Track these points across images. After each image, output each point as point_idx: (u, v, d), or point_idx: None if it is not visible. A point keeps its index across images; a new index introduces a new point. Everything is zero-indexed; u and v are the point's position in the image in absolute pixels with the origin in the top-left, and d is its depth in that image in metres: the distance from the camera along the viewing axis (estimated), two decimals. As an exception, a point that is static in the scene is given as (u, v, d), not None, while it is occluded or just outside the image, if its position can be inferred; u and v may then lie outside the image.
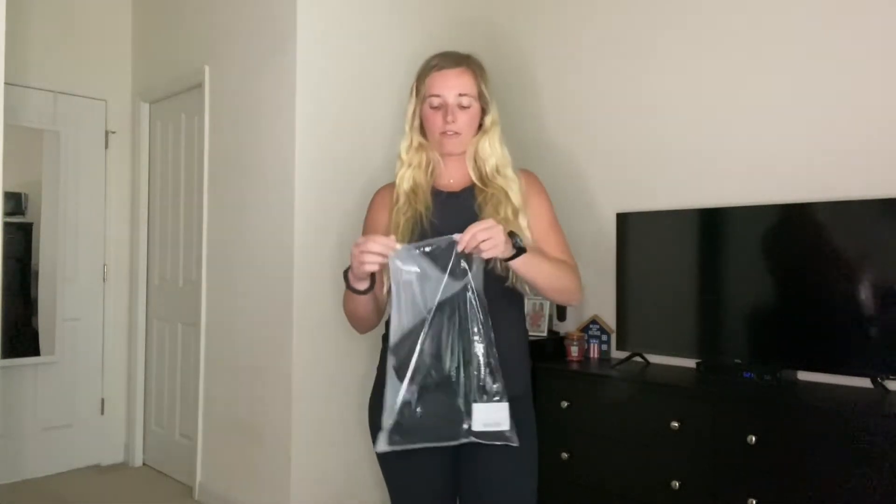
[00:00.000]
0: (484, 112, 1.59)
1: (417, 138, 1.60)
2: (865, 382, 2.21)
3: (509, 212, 1.52)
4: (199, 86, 3.32)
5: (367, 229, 1.64)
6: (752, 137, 2.57)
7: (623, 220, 2.82)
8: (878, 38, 2.29)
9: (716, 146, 2.67)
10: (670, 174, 2.79)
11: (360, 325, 1.58)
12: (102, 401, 3.76)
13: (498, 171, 1.57)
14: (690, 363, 2.62)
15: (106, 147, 3.78)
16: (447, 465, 1.53)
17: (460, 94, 1.54)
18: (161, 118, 3.74)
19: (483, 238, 1.29)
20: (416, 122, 1.60)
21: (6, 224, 3.33)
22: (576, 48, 3.15)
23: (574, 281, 1.56)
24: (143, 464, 3.76)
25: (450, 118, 1.53)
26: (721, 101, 2.66)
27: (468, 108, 1.55)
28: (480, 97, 1.58)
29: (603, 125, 3.03)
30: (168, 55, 3.61)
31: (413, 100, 1.61)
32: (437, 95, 1.54)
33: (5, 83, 1.92)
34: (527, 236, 1.51)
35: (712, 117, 2.68)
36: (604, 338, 2.88)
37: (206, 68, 3.27)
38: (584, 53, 3.11)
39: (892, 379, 2.18)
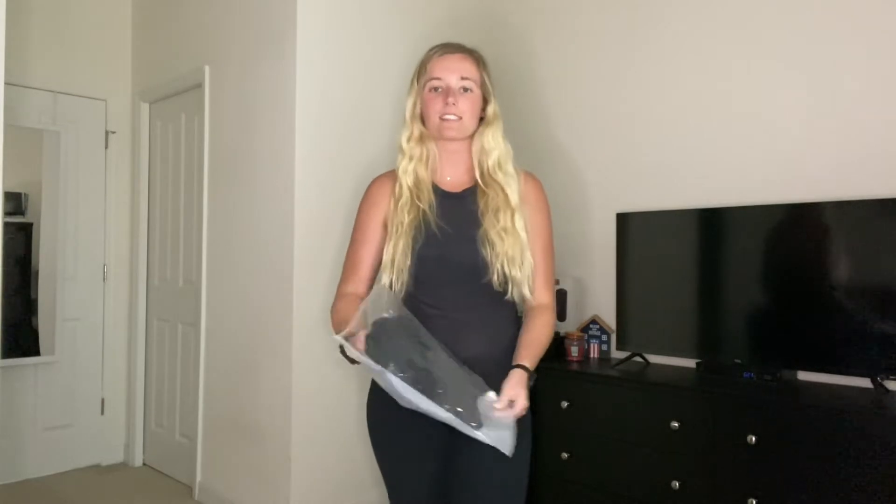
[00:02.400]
0: (486, 102, 1.58)
1: (419, 128, 1.58)
2: (865, 382, 2.21)
3: (508, 219, 1.52)
4: (199, 86, 3.32)
5: (361, 225, 1.61)
6: (753, 137, 2.57)
7: (623, 220, 2.82)
8: (878, 37, 2.29)
9: (716, 146, 2.67)
10: (670, 174, 2.79)
11: None
12: (102, 401, 3.76)
13: (500, 166, 1.56)
14: (690, 363, 2.62)
15: (106, 147, 3.78)
16: (439, 453, 1.54)
17: (462, 78, 1.53)
18: (161, 118, 3.74)
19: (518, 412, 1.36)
20: (417, 111, 1.58)
21: (6, 224, 3.33)
22: (575, 47, 3.15)
23: (549, 338, 1.56)
24: (143, 464, 3.76)
25: (451, 100, 1.51)
26: (722, 101, 2.66)
27: (470, 92, 1.54)
28: (482, 86, 1.56)
29: (603, 125, 3.04)
30: (168, 55, 3.61)
31: (414, 88, 1.59)
32: (439, 78, 1.53)
33: (5, 83, 1.93)
34: (522, 238, 1.53)
35: (713, 117, 2.68)
36: (604, 338, 2.88)
37: (206, 68, 3.27)
38: (584, 53, 3.11)
39: (892, 379, 2.18)
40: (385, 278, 1.55)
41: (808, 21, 2.44)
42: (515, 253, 1.50)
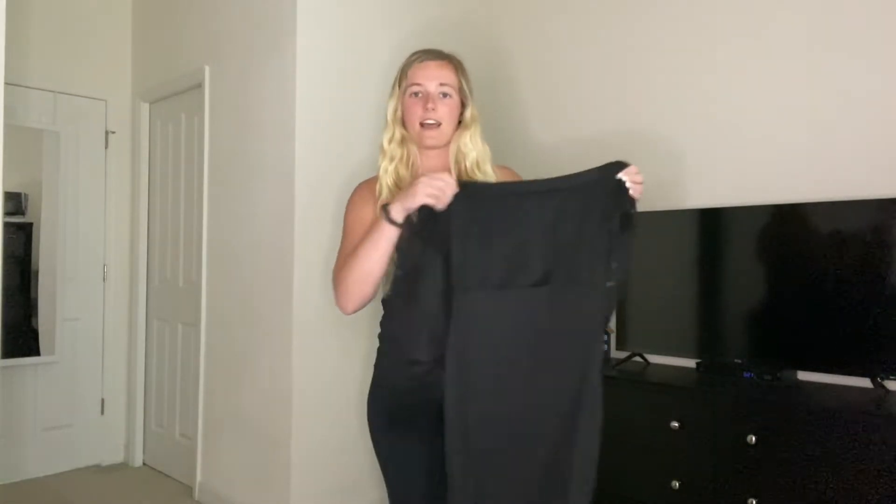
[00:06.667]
0: (464, 107, 1.62)
1: (400, 131, 1.62)
2: (865, 382, 2.21)
3: None
4: (199, 86, 3.32)
5: (355, 218, 1.60)
6: (752, 137, 2.57)
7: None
8: (878, 37, 2.29)
9: (715, 146, 2.67)
10: (670, 174, 2.79)
11: (364, 288, 1.48)
12: (102, 401, 3.76)
13: (478, 166, 1.60)
14: (690, 363, 2.62)
15: (106, 147, 3.78)
16: (441, 449, 1.54)
17: (441, 84, 1.57)
18: (161, 118, 3.74)
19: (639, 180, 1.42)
20: (399, 115, 1.63)
21: (6, 224, 3.33)
22: (569, 49, 3.14)
23: None
24: (143, 464, 3.76)
25: (430, 105, 1.55)
26: (721, 101, 2.66)
27: (449, 98, 1.58)
28: (460, 91, 1.61)
29: (601, 126, 3.03)
30: (168, 55, 3.61)
31: (395, 93, 1.64)
32: (419, 84, 1.58)
33: (5, 83, 1.93)
34: None
35: (712, 117, 2.68)
36: (604, 338, 2.88)
37: (206, 68, 3.27)
38: (578, 54, 3.11)
39: (892, 379, 2.18)
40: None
41: (807, 23, 2.44)
42: None
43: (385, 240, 1.42)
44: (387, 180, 1.58)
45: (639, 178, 1.41)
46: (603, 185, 1.40)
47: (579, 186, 1.40)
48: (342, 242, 1.64)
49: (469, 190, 1.39)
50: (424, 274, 1.38)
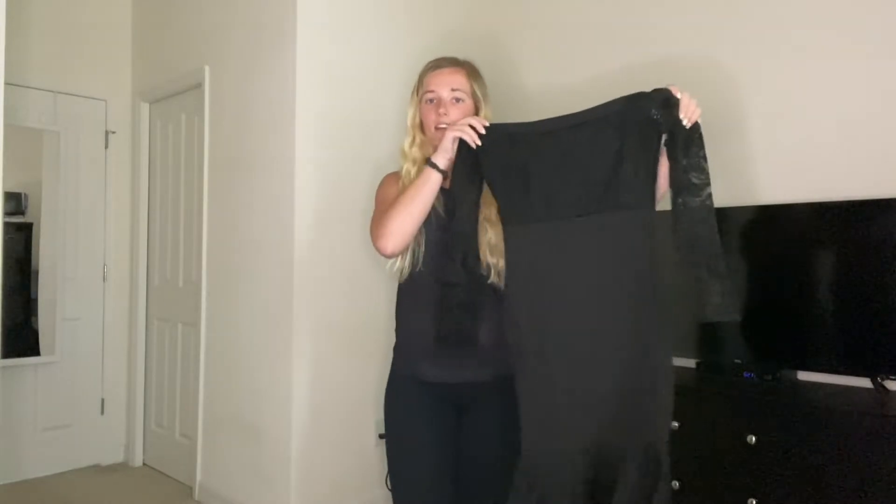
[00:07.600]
0: (478, 111, 1.69)
1: (419, 136, 1.69)
2: (865, 382, 2.21)
3: (493, 213, 1.60)
4: (199, 86, 3.32)
5: (390, 195, 1.66)
6: (750, 138, 2.57)
7: (623, 220, 2.81)
8: (877, 38, 2.29)
9: (714, 146, 2.66)
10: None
11: (407, 227, 1.55)
12: (102, 401, 3.76)
13: None
14: (690, 363, 2.62)
15: (106, 147, 3.78)
16: (451, 440, 1.63)
17: (453, 89, 1.64)
18: (161, 118, 3.74)
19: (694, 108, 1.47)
20: (417, 121, 1.70)
21: (6, 224, 3.33)
22: (567, 55, 3.15)
23: None
24: (143, 464, 3.76)
25: (442, 111, 1.63)
26: (716, 103, 2.65)
27: (461, 102, 1.65)
28: (473, 96, 1.67)
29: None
30: (168, 55, 3.61)
31: (413, 100, 1.72)
32: (432, 91, 1.65)
33: (5, 83, 1.93)
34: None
35: (708, 117, 2.68)
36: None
37: (206, 68, 3.27)
38: (576, 57, 3.11)
39: (892, 379, 2.18)
40: (399, 262, 1.64)
41: (804, 23, 2.44)
42: (498, 241, 1.58)
43: (430, 184, 1.54)
44: (407, 182, 1.65)
45: (693, 106, 1.49)
46: (639, 109, 1.43)
47: (610, 116, 1.45)
48: (377, 209, 1.70)
49: (500, 130, 1.51)
50: (463, 203, 1.51)
